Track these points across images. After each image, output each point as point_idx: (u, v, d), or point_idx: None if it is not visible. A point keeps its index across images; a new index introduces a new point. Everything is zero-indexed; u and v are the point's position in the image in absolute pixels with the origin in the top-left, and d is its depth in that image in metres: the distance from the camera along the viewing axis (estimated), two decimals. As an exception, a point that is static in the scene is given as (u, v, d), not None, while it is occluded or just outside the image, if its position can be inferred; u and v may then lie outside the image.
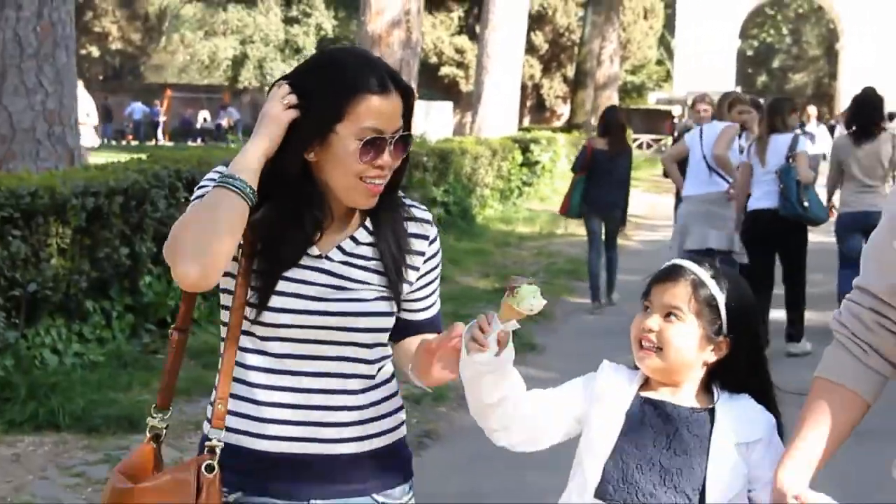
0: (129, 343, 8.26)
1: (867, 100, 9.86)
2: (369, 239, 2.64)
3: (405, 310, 2.68)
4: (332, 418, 2.58)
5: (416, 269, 2.69)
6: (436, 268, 2.76)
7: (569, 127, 32.61)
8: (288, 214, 2.57)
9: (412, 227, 2.68)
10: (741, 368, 2.65)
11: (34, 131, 9.08)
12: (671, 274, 2.67)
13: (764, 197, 9.35)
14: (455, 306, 9.76)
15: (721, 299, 2.61)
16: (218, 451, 2.54)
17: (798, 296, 9.64)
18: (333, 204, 2.61)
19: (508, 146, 20.27)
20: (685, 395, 2.66)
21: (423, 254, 2.69)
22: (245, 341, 2.60)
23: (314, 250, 2.62)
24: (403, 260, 2.66)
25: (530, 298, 2.41)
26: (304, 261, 2.62)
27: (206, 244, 2.41)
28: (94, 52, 46.26)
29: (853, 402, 2.42)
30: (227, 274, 2.53)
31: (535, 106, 44.28)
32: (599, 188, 11.26)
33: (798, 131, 10.93)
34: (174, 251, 2.41)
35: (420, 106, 19.45)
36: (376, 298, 2.61)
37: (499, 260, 14.96)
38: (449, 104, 36.62)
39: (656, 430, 2.63)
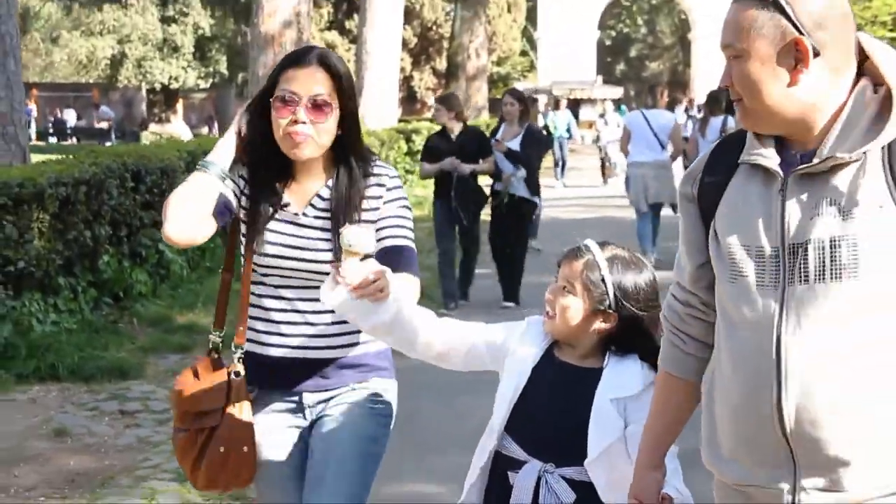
0: (93, 314, 9.10)
1: (711, 95, 13.09)
2: (328, 194, 3.15)
3: (385, 237, 3.14)
4: (321, 332, 3.15)
5: (376, 209, 3.16)
6: (397, 207, 3.20)
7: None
8: (258, 178, 3.16)
9: (371, 181, 3.17)
10: (629, 337, 2.88)
11: None
12: (574, 253, 2.93)
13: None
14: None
15: (610, 280, 2.86)
16: (240, 361, 3.16)
17: None
18: (292, 165, 3.16)
19: (394, 137, 21.15)
20: (581, 356, 2.91)
21: (380, 197, 3.17)
22: (253, 277, 3.21)
23: (293, 208, 3.16)
24: (355, 205, 3.12)
25: (350, 238, 2.81)
26: (285, 216, 3.16)
27: (178, 209, 2.99)
28: None
29: (684, 386, 2.54)
30: (239, 229, 3.21)
31: (406, 98, 44.33)
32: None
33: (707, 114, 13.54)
34: (163, 218, 3.03)
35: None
36: None
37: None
38: None
39: (554, 384, 2.89)
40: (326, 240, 3.11)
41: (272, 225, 3.14)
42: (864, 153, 2.16)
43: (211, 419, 3.12)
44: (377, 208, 3.15)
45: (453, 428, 6.35)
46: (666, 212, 13.06)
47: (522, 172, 10.49)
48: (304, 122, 3.00)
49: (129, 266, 9.95)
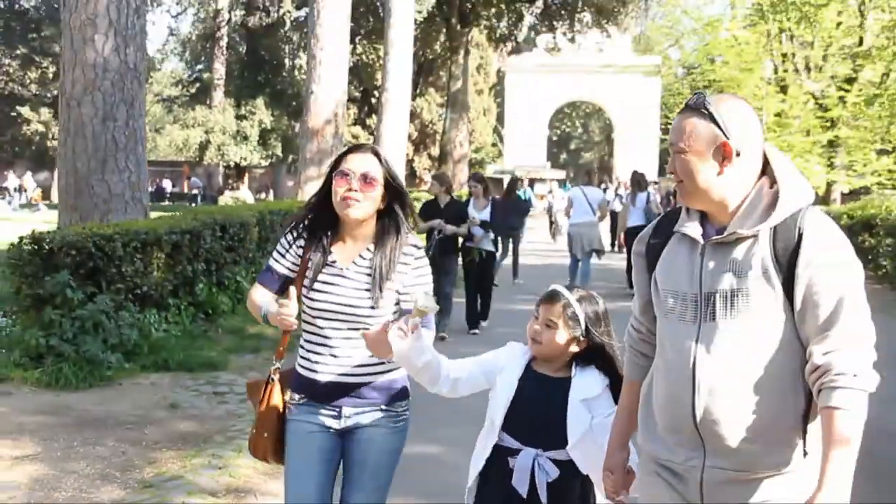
0: (191, 325, 9.18)
1: (635, 177, 13.82)
2: (370, 255, 2.97)
3: (404, 301, 2.97)
4: (357, 362, 2.95)
5: (405, 274, 2.96)
6: (420, 274, 3.00)
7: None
8: (314, 238, 3.01)
9: (404, 249, 2.97)
10: (591, 354, 2.87)
11: (123, 196, 9.56)
12: (552, 297, 2.88)
13: (637, 219, 12.98)
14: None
15: (581, 316, 2.84)
16: (276, 372, 3.06)
17: None
18: (343, 229, 3.00)
19: None
20: (556, 369, 2.88)
21: (408, 264, 2.97)
22: (304, 318, 3.02)
23: (339, 264, 2.97)
24: (389, 269, 2.93)
25: (423, 301, 2.70)
26: (332, 271, 2.97)
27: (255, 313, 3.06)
28: None
29: (637, 389, 2.49)
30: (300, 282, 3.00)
31: (409, 175, 44.46)
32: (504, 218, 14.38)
33: (651, 190, 14.62)
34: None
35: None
36: (383, 300, 2.93)
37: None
38: None
39: (537, 391, 2.84)
40: (366, 289, 2.93)
41: (322, 277, 2.97)
42: (758, 232, 2.17)
43: (257, 407, 3.09)
44: (405, 273, 2.97)
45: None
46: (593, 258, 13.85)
47: (490, 235, 10.52)
48: (356, 190, 2.89)
49: (217, 291, 10.04)
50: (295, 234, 3.03)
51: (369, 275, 2.94)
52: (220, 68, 39.77)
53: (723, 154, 2.19)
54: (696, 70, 29.31)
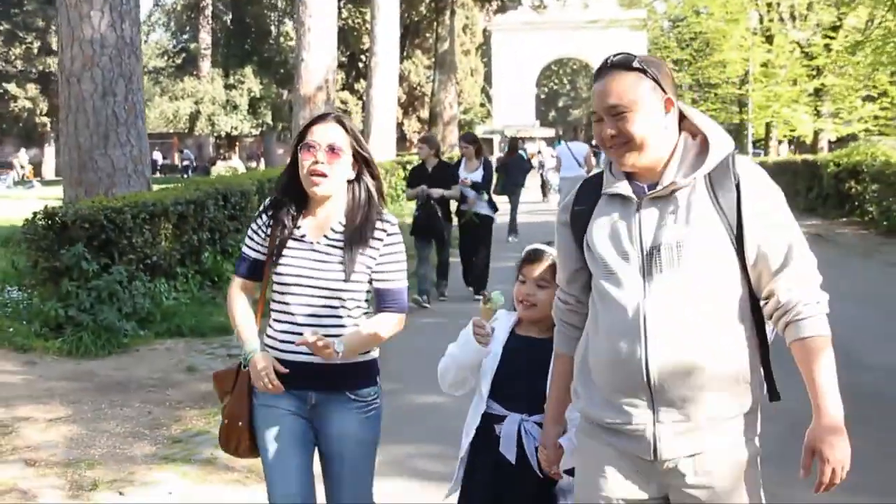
0: (199, 292, 9.41)
1: None
2: (341, 228, 2.80)
3: (378, 280, 2.83)
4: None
5: (377, 249, 2.80)
6: (393, 251, 2.84)
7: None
8: (280, 212, 2.83)
9: (377, 224, 2.81)
10: None
11: (126, 169, 9.70)
12: (538, 255, 2.81)
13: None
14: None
15: None
16: (246, 358, 2.82)
17: None
18: (312, 202, 2.83)
19: (394, 166, 21.37)
20: (544, 330, 2.78)
21: (381, 240, 2.80)
22: (271, 295, 2.86)
23: (308, 238, 2.80)
24: (362, 242, 2.78)
25: (498, 300, 2.75)
26: (302, 246, 2.80)
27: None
28: None
29: (571, 361, 2.45)
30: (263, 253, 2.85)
31: (399, 138, 44.24)
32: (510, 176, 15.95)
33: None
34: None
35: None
36: (356, 278, 2.79)
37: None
38: None
39: (523, 354, 2.78)
40: (339, 262, 2.78)
41: (291, 252, 2.80)
42: (694, 179, 2.18)
43: (225, 398, 2.92)
44: (377, 248, 2.81)
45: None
46: None
47: (484, 196, 10.14)
48: (322, 163, 2.74)
49: (222, 259, 10.23)
50: (266, 217, 2.88)
51: (341, 248, 2.79)
52: (206, 38, 39.65)
53: (664, 109, 2.20)
54: (682, 23, 29.37)
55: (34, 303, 7.97)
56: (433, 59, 38.29)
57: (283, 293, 2.80)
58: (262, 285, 2.88)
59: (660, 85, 2.20)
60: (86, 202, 8.26)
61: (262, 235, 2.87)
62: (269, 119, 38.19)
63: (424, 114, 41.43)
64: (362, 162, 2.84)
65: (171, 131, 45.29)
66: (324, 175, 2.73)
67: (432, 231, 9.75)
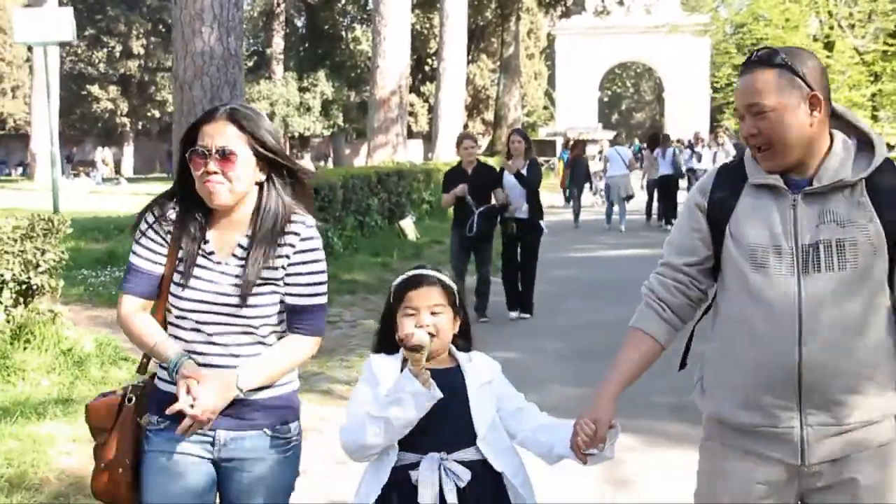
0: None
1: (664, 137, 18.15)
2: (246, 242, 2.42)
3: (287, 294, 2.42)
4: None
5: (286, 257, 2.40)
6: (309, 262, 2.42)
7: (490, 153, 31.42)
8: (185, 228, 2.43)
9: (288, 228, 2.41)
10: (461, 331, 2.53)
11: None
12: (425, 280, 2.47)
13: (666, 169, 17.18)
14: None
15: (455, 291, 2.51)
16: (136, 390, 2.46)
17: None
18: (216, 213, 2.44)
19: None
20: (439, 361, 2.48)
21: (292, 246, 2.41)
22: (171, 319, 2.46)
23: (216, 256, 2.43)
24: (267, 255, 2.39)
25: (424, 339, 2.33)
26: (208, 264, 2.43)
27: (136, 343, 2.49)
28: (156, 114, 47.14)
29: (652, 344, 2.32)
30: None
31: None
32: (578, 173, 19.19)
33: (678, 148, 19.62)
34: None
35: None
36: (261, 293, 2.40)
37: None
38: (419, 141, 37.76)
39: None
40: (240, 294, 2.39)
41: (198, 270, 2.42)
42: (860, 179, 2.13)
43: (101, 437, 2.46)
44: (287, 255, 2.41)
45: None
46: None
47: (523, 202, 8.82)
48: (215, 172, 2.35)
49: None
50: (158, 226, 2.47)
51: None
52: (279, 43, 41.31)
53: (811, 106, 2.12)
54: (743, 29, 30.10)
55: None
56: (498, 63, 39.16)
57: (183, 318, 2.43)
58: (157, 305, 2.47)
59: (805, 81, 2.11)
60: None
61: (161, 247, 2.46)
62: (340, 121, 39.58)
63: (489, 116, 42.21)
64: (266, 161, 2.42)
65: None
66: (220, 183, 2.36)
67: (480, 238, 8.63)
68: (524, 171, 8.81)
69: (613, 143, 19.40)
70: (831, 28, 26.72)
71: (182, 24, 11.50)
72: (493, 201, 8.59)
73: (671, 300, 2.34)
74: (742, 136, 2.19)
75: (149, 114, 47.24)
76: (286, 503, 2.53)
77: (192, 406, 2.27)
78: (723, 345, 2.26)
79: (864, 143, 2.19)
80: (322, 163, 46.29)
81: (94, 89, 45.61)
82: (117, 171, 44.19)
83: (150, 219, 2.47)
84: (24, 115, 40.33)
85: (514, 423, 2.49)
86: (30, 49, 32.05)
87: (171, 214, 2.45)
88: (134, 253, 2.47)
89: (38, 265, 6.10)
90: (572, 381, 6.47)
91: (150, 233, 2.46)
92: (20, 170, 40.44)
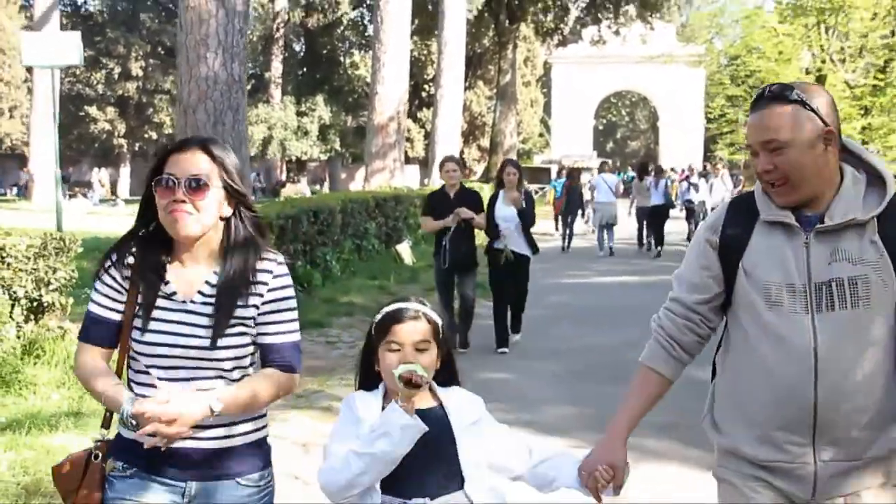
0: None
1: (657, 167, 18.81)
2: (215, 280, 2.33)
3: (261, 334, 2.34)
4: (206, 422, 2.25)
5: (260, 296, 2.33)
6: (282, 299, 2.36)
7: (486, 180, 31.27)
8: (144, 267, 2.32)
9: (259, 266, 2.34)
10: (444, 366, 2.42)
11: None
12: (411, 314, 2.36)
13: (658, 199, 17.80)
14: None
15: (440, 325, 2.41)
16: (101, 444, 2.35)
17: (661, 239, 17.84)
18: (179, 249, 2.34)
19: None
20: (424, 398, 2.36)
21: (266, 284, 2.34)
22: (134, 365, 2.36)
23: (180, 296, 2.32)
24: (238, 293, 2.30)
25: (418, 368, 2.27)
26: (171, 305, 2.31)
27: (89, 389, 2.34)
28: (153, 136, 47.36)
29: (661, 382, 2.33)
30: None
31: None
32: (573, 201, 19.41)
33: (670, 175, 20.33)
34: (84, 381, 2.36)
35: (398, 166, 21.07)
36: (232, 334, 2.31)
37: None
38: (416, 167, 37.96)
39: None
40: (208, 335, 2.30)
41: (158, 313, 2.31)
42: (872, 217, 2.13)
43: (70, 498, 2.34)
44: (261, 294, 2.34)
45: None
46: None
47: (517, 233, 8.69)
48: (183, 201, 2.26)
49: (311, 269, 11.62)
50: (116, 270, 2.36)
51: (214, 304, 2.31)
52: (278, 67, 41.69)
53: (825, 141, 2.12)
54: (737, 61, 30.53)
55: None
56: (495, 90, 39.37)
57: (148, 365, 2.33)
58: (118, 353, 2.38)
59: (819, 116, 2.11)
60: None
61: (119, 291, 2.35)
62: (337, 145, 39.84)
63: (485, 143, 42.47)
64: (234, 195, 2.35)
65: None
66: (189, 213, 2.27)
67: (465, 262, 8.44)
68: (512, 215, 8.60)
69: (600, 170, 19.76)
70: (823, 62, 27.22)
71: (187, 49, 11.75)
72: (450, 222, 8.30)
73: (681, 338, 2.34)
74: (756, 172, 2.18)
75: (146, 135, 47.42)
76: None
77: (165, 403, 2.14)
78: (735, 379, 2.27)
79: (874, 178, 2.20)
80: (318, 187, 46.57)
81: (92, 110, 45.85)
82: (113, 192, 44.37)
83: (107, 263, 2.37)
84: (21, 134, 40.56)
85: (515, 462, 2.41)
86: (29, 70, 32.29)
87: (129, 259, 2.35)
88: (91, 300, 2.38)
89: (49, 283, 6.30)
90: (566, 401, 6.66)
91: (107, 278, 2.36)
92: (15, 190, 40.59)
